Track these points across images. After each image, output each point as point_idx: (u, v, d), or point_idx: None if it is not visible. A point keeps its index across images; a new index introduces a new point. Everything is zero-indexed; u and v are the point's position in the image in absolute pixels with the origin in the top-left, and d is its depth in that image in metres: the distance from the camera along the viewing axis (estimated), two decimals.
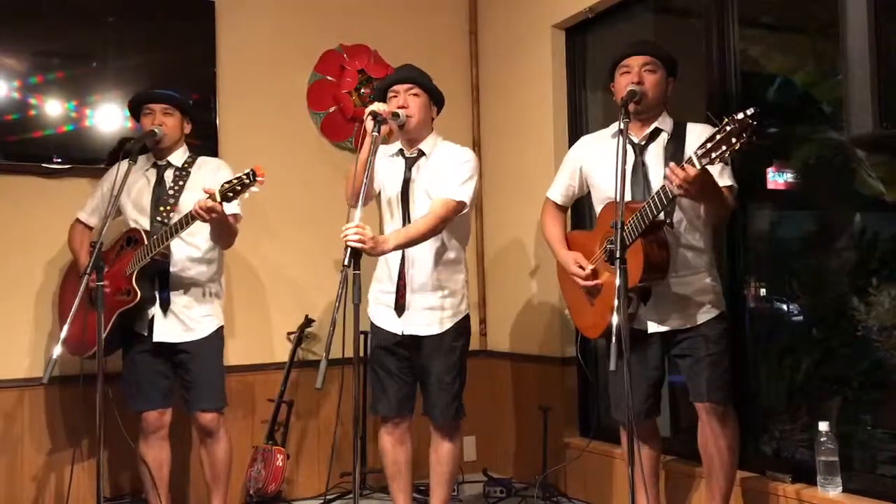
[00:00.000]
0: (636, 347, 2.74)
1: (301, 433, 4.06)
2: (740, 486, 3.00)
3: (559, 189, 3.17)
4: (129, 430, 3.33)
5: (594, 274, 2.88)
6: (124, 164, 3.05)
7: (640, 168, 2.81)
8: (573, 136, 4.05)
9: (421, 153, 3.14)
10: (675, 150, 2.76)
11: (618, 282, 2.31)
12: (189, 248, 3.27)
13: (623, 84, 2.80)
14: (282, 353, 4.01)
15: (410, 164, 3.14)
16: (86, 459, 3.53)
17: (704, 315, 2.79)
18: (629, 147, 2.82)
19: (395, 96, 3.09)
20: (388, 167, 3.17)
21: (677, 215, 2.78)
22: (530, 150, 4.21)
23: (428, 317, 3.08)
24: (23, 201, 3.64)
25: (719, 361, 2.77)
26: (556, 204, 3.17)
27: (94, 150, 3.69)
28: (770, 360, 3.28)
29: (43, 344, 3.62)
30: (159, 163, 3.36)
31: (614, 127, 2.91)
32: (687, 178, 2.41)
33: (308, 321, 4.02)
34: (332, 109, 4.25)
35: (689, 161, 2.42)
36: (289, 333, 4.03)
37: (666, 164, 2.58)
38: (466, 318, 3.18)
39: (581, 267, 2.91)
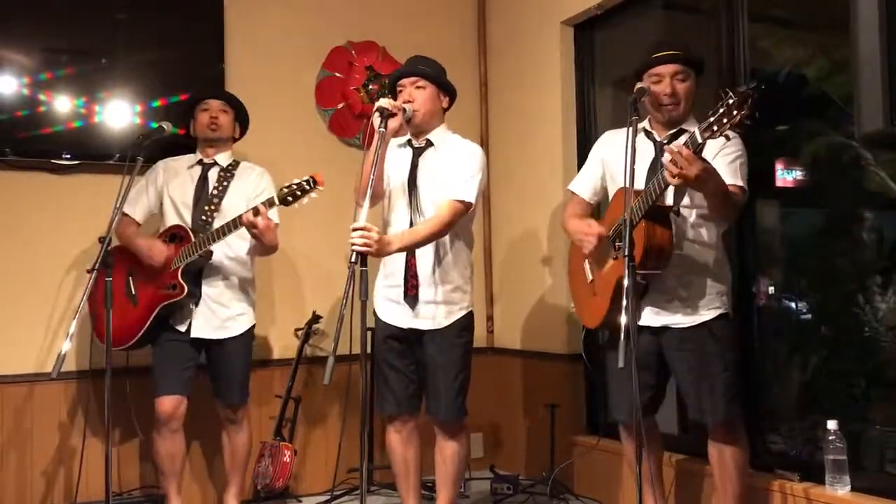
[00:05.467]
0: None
1: (308, 429, 4.07)
2: (748, 484, 2.98)
3: (581, 181, 3.09)
4: (140, 423, 3.35)
5: (599, 238, 2.79)
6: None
7: (659, 164, 2.77)
8: (581, 133, 4.06)
9: (429, 143, 3.11)
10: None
11: (626, 282, 2.28)
12: (227, 248, 3.33)
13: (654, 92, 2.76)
14: (289, 349, 4.02)
15: (418, 153, 3.11)
16: (95, 454, 3.54)
17: (705, 314, 2.73)
18: (650, 143, 2.82)
19: (403, 90, 3.08)
20: (395, 157, 3.12)
21: (688, 210, 2.74)
22: (539, 147, 4.20)
23: (432, 311, 3.04)
24: (32, 197, 3.65)
25: (728, 374, 2.70)
26: (579, 199, 3.07)
27: (103, 147, 3.69)
28: (778, 358, 3.26)
29: (52, 339, 3.64)
30: (205, 161, 3.40)
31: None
32: (680, 158, 2.38)
33: (315, 317, 4.02)
34: (340, 106, 4.26)
35: (692, 137, 2.39)
36: (296, 330, 4.04)
37: None
38: (470, 314, 3.13)
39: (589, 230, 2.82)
